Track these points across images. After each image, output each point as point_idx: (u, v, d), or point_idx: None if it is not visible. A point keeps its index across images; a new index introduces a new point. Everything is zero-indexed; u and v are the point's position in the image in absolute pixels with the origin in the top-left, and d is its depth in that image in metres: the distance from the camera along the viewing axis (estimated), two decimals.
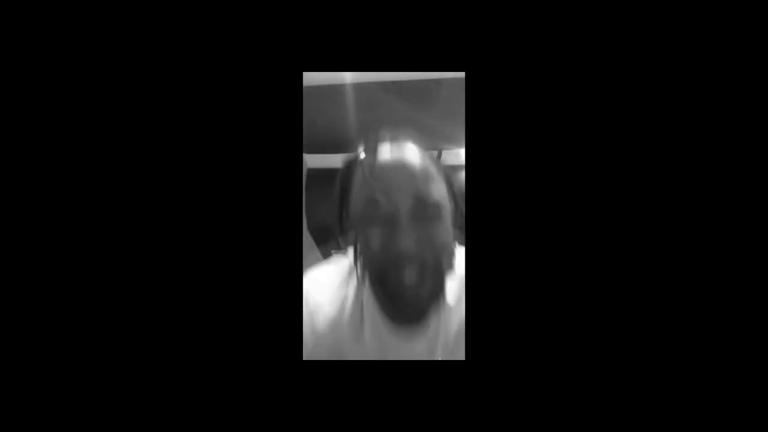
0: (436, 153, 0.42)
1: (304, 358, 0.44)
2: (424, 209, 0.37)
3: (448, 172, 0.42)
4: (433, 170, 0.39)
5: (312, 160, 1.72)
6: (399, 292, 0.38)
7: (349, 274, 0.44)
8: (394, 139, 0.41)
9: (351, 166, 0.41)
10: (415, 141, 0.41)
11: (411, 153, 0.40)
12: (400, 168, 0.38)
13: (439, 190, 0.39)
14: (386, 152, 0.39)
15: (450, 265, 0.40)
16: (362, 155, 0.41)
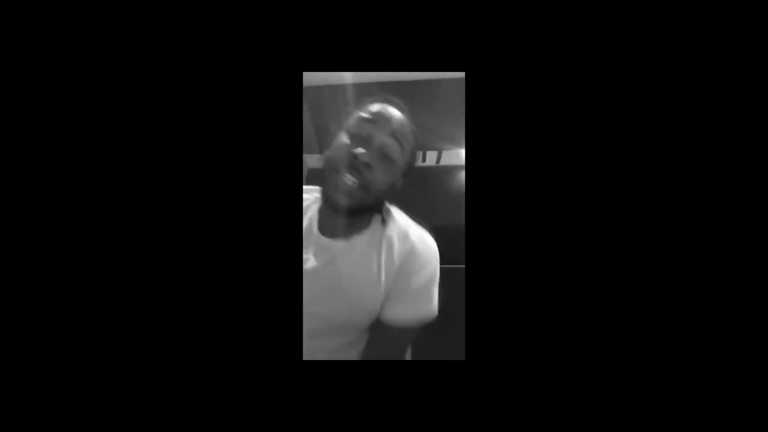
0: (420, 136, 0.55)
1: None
2: (388, 149, 0.52)
3: (417, 144, 0.57)
4: (408, 132, 0.54)
5: (312, 160, 1.72)
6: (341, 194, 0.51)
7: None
8: (389, 101, 0.56)
9: (365, 101, 0.56)
10: (402, 109, 0.56)
11: (401, 115, 0.55)
12: (393, 116, 0.53)
13: (405, 142, 0.54)
14: (386, 105, 0.55)
15: (380, 196, 0.54)
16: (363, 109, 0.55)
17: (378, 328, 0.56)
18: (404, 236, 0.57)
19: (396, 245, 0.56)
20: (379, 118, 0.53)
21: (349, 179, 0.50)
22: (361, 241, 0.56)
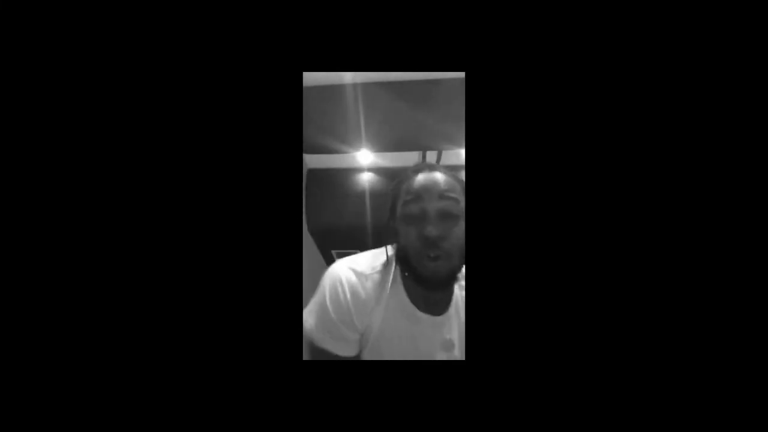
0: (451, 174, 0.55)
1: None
2: (446, 209, 0.51)
3: (460, 180, 0.56)
4: (456, 186, 0.54)
5: (312, 160, 1.72)
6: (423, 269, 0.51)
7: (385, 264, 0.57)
8: (427, 167, 0.56)
9: (396, 187, 0.56)
10: (443, 171, 0.55)
11: (439, 175, 0.54)
12: (433, 180, 0.53)
13: (459, 195, 0.53)
14: (422, 174, 0.54)
15: (461, 255, 0.52)
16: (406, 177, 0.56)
17: None
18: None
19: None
20: (422, 191, 0.52)
21: (433, 255, 0.50)
22: (451, 314, 0.56)
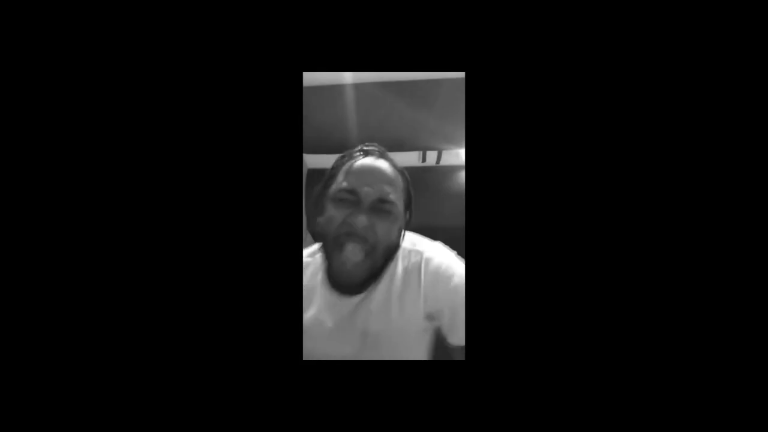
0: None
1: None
2: (381, 204, 0.48)
3: (411, 189, 0.54)
4: (400, 181, 0.51)
5: (312, 160, 1.72)
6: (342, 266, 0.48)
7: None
8: (375, 150, 0.53)
9: (337, 164, 0.53)
10: (388, 158, 0.52)
11: (385, 163, 0.51)
12: (375, 170, 0.49)
13: (397, 196, 0.50)
14: (367, 159, 0.51)
15: (384, 255, 0.50)
16: (349, 157, 0.52)
17: (451, 353, 0.53)
18: (422, 260, 0.53)
19: (421, 272, 0.52)
20: (362, 179, 0.49)
21: (354, 251, 0.47)
22: (381, 288, 0.52)
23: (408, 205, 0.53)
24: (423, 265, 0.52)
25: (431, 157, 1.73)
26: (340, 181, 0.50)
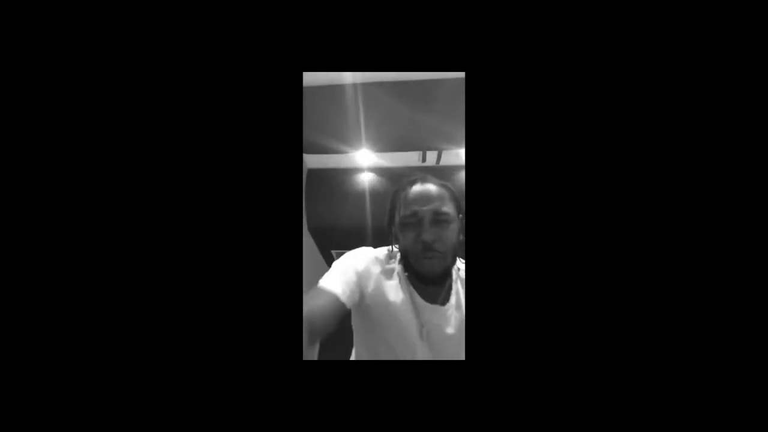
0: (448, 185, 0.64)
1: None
2: (439, 219, 0.60)
3: (457, 196, 0.65)
4: (446, 197, 0.63)
5: (312, 160, 1.73)
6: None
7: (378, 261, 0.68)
8: (418, 178, 0.65)
9: (393, 200, 0.66)
10: (434, 182, 0.64)
11: (429, 185, 0.63)
12: (424, 193, 0.62)
13: (448, 207, 0.62)
14: (415, 186, 0.63)
15: (454, 253, 0.63)
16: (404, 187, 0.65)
17: None
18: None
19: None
20: (417, 207, 0.60)
21: (429, 255, 0.59)
22: (452, 303, 0.65)
23: (459, 210, 0.64)
24: None
25: (431, 157, 1.73)
26: (402, 212, 0.62)
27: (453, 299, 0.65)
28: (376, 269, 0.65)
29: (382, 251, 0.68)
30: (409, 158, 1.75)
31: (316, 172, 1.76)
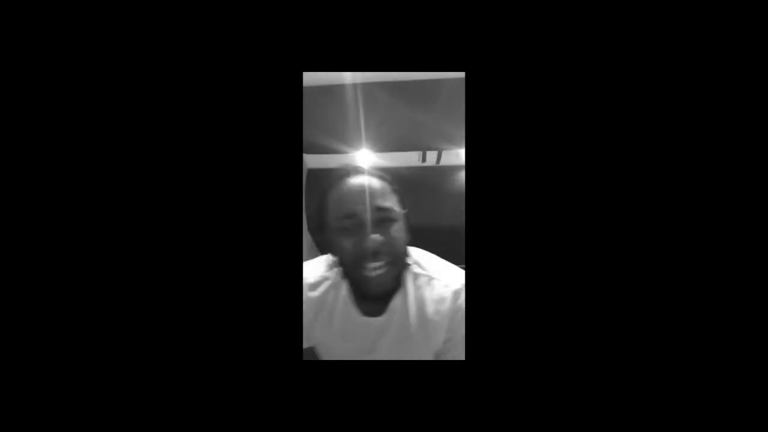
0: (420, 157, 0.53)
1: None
2: (383, 217, 0.50)
3: (398, 188, 0.54)
4: (387, 191, 0.52)
5: (312, 160, 1.72)
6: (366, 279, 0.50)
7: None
8: (346, 170, 0.53)
9: (320, 198, 0.54)
10: (372, 174, 0.53)
11: (363, 177, 0.52)
12: (358, 187, 0.50)
13: (391, 202, 0.51)
14: (346, 181, 0.52)
15: (404, 257, 0.53)
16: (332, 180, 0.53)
17: None
18: (440, 289, 0.56)
19: (430, 300, 0.55)
20: (355, 205, 0.50)
21: (376, 266, 0.49)
22: (394, 310, 0.56)
23: (402, 203, 0.55)
24: (451, 298, 0.56)
25: (431, 157, 1.73)
26: (336, 212, 0.51)
27: (396, 302, 0.55)
28: (310, 300, 0.54)
29: (316, 266, 0.57)
30: (409, 158, 1.74)
31: (316, 172, 1.76)
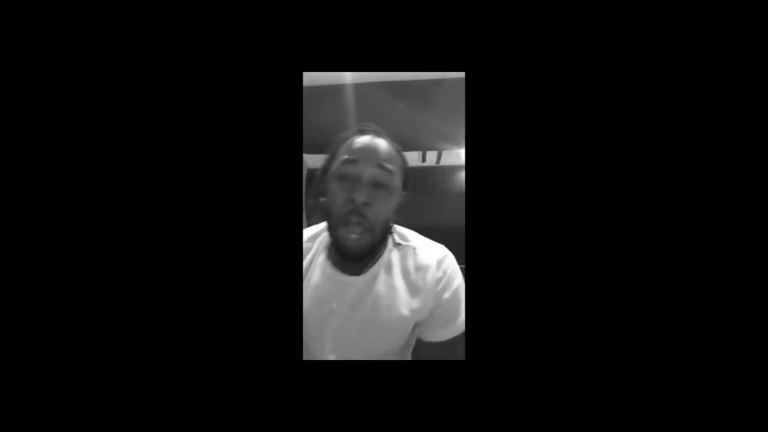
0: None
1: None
2: (380, 179, 0.52)
3: (404, 164, 0.57)
4: (396, 158, 0.55)
5: (312, 160, 1.73)
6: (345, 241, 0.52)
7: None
8: (372, 130, 0.57)
9: (336, 144, 0.58)
10: (387, 139, 0.56)
11: (383, 141, 0.55)
12: (373, 146, 0.53)
13: (395, 172, 0.53)
14: (365, 137, 0.55)
15: (382, 229, 0.54)
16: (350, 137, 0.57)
17: (421, 348, 0.57)
18: (423, 257, 0.57)
19: (414, 267, 0.56)
20: (361, 154, 0.52)
21: (353, 232, 0.50)
22: (377, 272, 0.56)
23: (405, 184, 0.56)
24: (435, 266, 0.56)
25: (431, 157, 1.74)
26: (341, 156, 0.53)
27: (375, 268, 0.55)
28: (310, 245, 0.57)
29: (306, 234, 0.59)
30: (409, 158, 1.75)
31: (316, 172, 1.77)
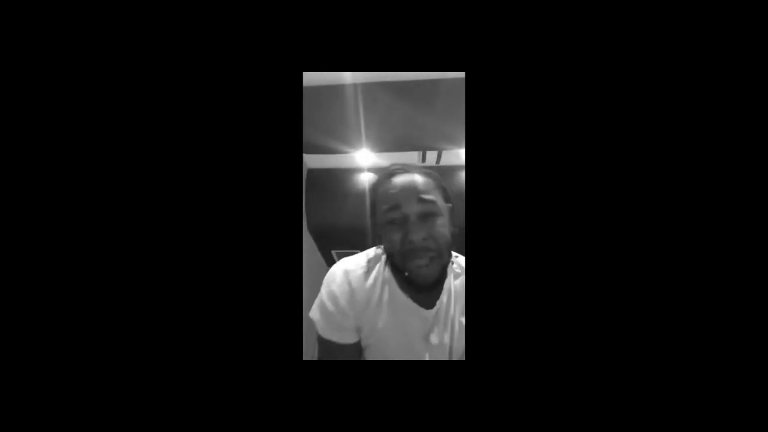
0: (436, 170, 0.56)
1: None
2: (426, 211, 0.53)
3: (444, 184, 0.58)
4: (431, 185, 0.55)
5: (312, 160, 1.73)
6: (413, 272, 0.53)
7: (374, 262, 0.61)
8: (398, 168, 0.57)
9: (373, 196, 0.59)
10: (417, 171, 0.57)
11: (411, 175, 0.56)
12: (406, 183, 0.54)
13: (436, 197, 0.55)
14: (395, 178, 0.56)
15: (448, 250, 0.55)
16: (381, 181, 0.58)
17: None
18: None
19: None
20: (400, 198, 0.53)
21: (422, 263, 0.51)
22: (444, 304, 0.58)
23: (447, 198, 0.58)
24: None
25: (431, 157, 1.73)
26: (383, 205, 0.54)
27: (444, 298, 0.57)
28: (361, 291, 0.56)
29: (362, 259, 0.59)
30: (409, 158, 1.75)
31: (316, 172, 1.76)
